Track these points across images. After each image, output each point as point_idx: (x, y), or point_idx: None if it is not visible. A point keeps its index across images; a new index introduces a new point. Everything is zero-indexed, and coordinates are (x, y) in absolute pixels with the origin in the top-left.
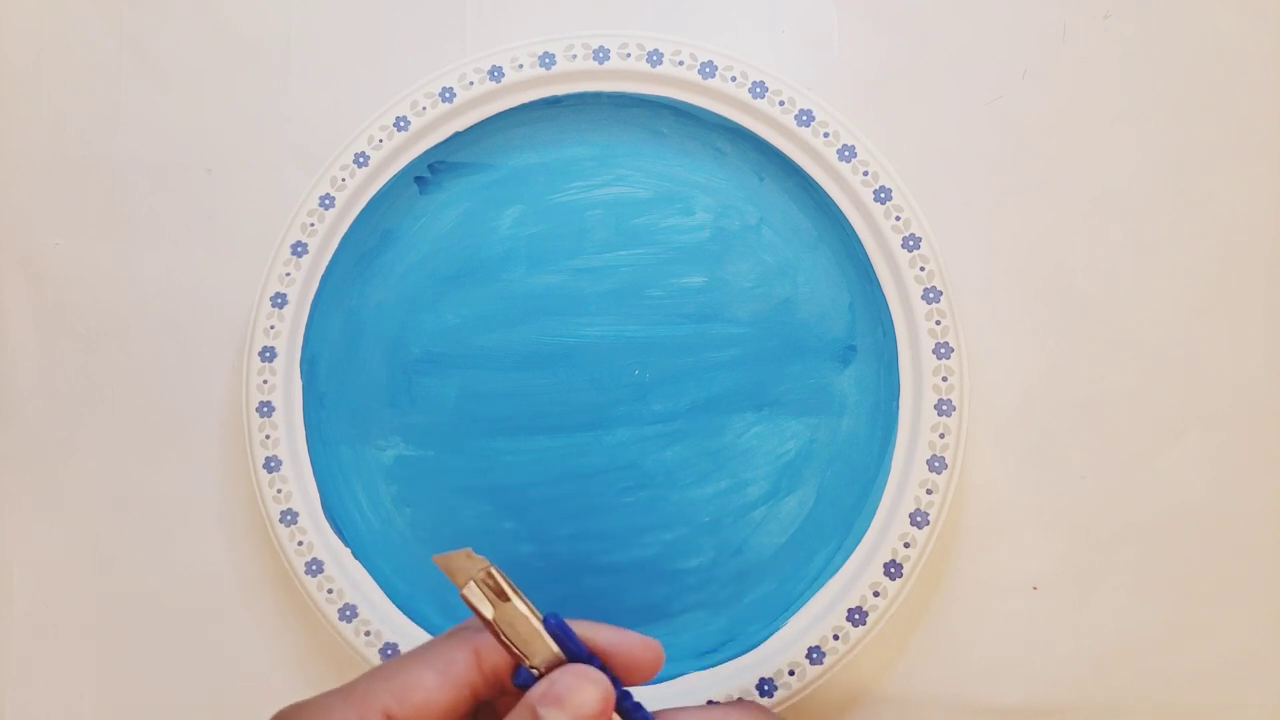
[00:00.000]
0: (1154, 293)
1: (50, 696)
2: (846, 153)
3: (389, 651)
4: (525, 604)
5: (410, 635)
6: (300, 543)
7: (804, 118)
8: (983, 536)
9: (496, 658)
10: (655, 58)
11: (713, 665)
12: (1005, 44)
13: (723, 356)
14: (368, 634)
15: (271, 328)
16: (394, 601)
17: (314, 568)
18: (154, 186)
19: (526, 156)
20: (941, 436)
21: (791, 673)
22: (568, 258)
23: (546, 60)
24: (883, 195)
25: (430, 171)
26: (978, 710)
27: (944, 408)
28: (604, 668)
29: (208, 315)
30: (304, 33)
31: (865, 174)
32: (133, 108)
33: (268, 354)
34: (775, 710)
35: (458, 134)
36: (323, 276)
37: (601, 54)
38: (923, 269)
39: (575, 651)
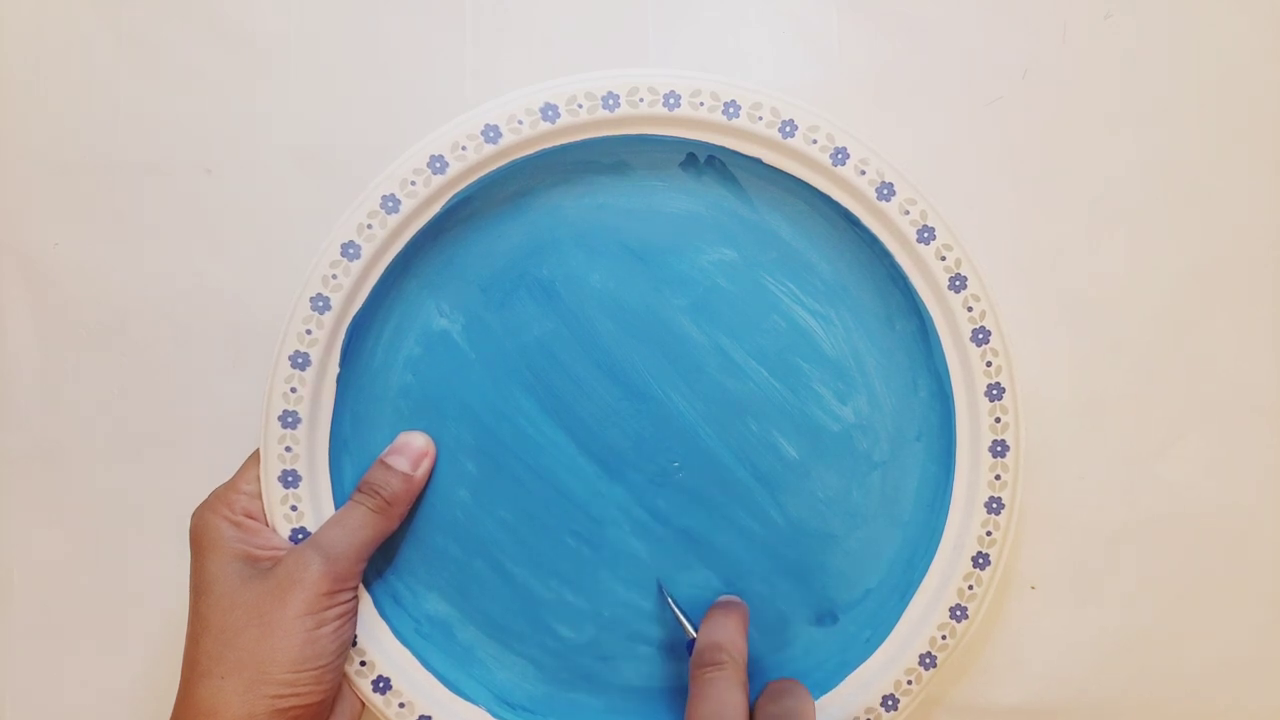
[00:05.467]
0: (1154, 293)
1: (50, 696)
2: (925, 234)
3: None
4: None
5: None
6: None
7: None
8: None
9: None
10: (732, 109)
11: None
12: (1006, 44)
13: (746, 528)
14: (364, 662)
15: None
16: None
17: None
18: (154, 186)
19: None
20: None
21: None
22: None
23: (610, 101)
24: (958, 282)
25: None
26: (978, 710)
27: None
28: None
29: (208, 315)
30: (304, 33)
31: (863, 172)
32: (132, 108)
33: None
34: None
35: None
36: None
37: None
38: (944, 257)
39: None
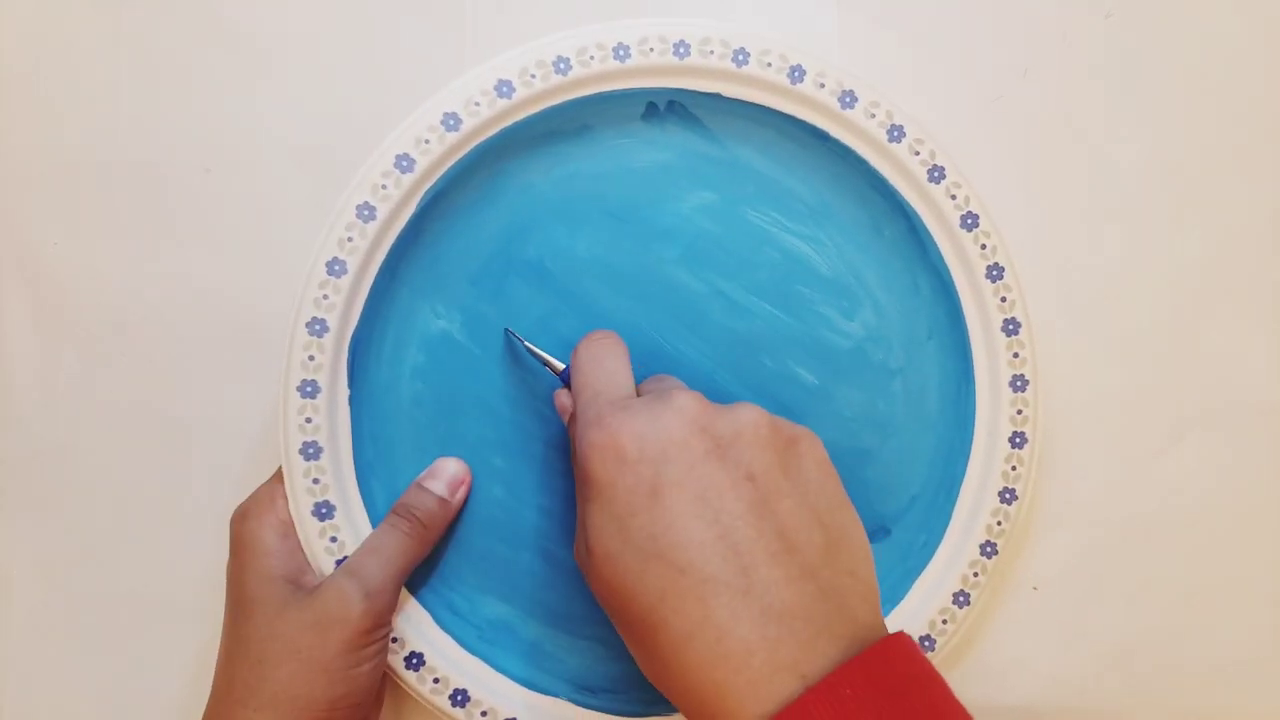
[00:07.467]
0: (1153, 293)
1: (50, 696)
2: (895, 132)
3: (414, 661)
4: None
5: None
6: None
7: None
8: None
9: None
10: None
11: None
12: (1006, 43)
13: None
14: (392, 639)
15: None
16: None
17: None
18: (153, 186)
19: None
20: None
21: None
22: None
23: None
24: (936, 173)
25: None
26: (978, 710)
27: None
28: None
29: (207, 315)
30: (304, 32)
31: (917, 152)
32: (131, 107)
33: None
34: None
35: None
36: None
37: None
38: (918, 152)
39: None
